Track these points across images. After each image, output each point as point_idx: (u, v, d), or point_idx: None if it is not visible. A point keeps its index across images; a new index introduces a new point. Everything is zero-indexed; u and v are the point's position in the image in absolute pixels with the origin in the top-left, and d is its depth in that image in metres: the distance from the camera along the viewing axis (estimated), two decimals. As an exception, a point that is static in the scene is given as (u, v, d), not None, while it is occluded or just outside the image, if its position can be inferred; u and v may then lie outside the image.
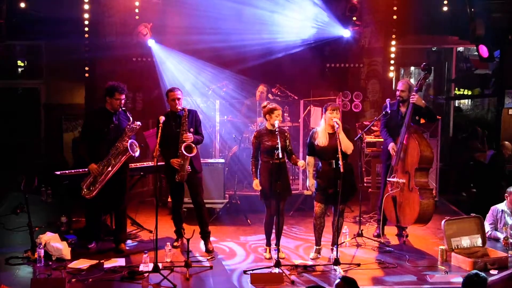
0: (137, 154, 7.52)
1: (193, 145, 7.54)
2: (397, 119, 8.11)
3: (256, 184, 7.45)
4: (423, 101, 8.14)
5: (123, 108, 7.55)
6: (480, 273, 5.08)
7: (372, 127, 9.12)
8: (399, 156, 7.94)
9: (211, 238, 7.97)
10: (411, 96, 7.95)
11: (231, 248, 8.00)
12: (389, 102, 8.18)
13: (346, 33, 10.84)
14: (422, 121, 8.52)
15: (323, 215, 7.52)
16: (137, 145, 7.54)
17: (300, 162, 7.48)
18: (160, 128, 7.21)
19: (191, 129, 7.64)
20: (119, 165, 7.46)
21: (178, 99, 7.63)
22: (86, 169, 7.55)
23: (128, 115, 7.56)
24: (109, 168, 7.44)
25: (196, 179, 7.78)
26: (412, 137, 7.88)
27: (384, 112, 8.16)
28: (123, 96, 7.54)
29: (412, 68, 14.04)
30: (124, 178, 7.70)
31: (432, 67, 10.17)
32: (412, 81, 9.18)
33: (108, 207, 7.85)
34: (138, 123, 7.56)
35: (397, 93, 8.20)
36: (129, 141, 7.45)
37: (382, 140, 8.66)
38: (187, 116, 7.60)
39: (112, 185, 7.55)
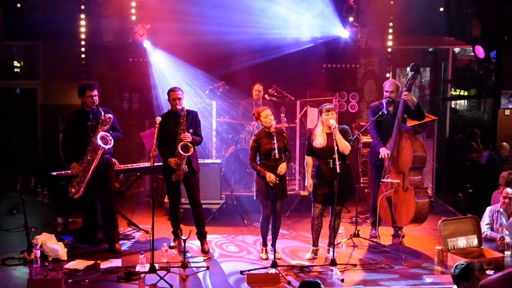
0: (108, 146, 7.45)
1: (190, 145, 7.54)
2: (387, 119, 8.12)
3: (269, 176, 7.21)
4: (414, 99, 8.14)
5: (96, 105, 7.53)
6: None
7: (368, 128, 9.12)
8: (392, 157, 7.96)
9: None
10: (403, 93, 7.97)
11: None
12: (385, 102, 8.17)
13: (344, 33, 10.83)
14: (410, 122, 8.55)
15: (321, 216, 7.53)
16: (110, 136, 7.49)
17: (281, 167, 7.32)
18: (157, 128, 7.23)
19: (190, 130, 7.64)
20: (98, 159, 7.47)
21: (179, 99, 7.63)
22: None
23: (101, 109, 7.53)
24: (89, 164, 7.48)
25: (193, 180, 7.78)
26: (404, 137, 7.93)
27: (380, 113, 8.14)
28: (95, 93, 7.55)
29: (408, 68, 14.04)
30: (107, 173, 7.69)
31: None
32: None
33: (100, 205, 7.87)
34: (109, 115, 7.54)
35: (386, 94, 8.20)
36: (100, 134, 7.44)
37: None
38: (185, 116, 7.60)
39: (97, 182, 7.61)
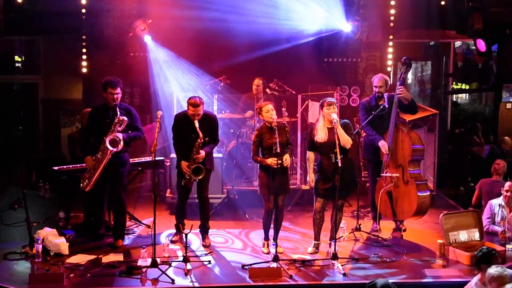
0: (115, 149, 7.40)
1: (202, 167, 7.51)
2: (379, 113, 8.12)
3: (271, 161, 7.23)
4: (409, 94, 8.16)
5: (115, 103, 7.49)
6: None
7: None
8: (390, 151, 7.96)
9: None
10: (398, 90, 7.97)
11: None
12: (387, 96, 8.16)
13: (346, 27, 10.80)
14: (408, 116, 8.55)
15: (323, 210, 7.53)
16: (120, 138, 7.42)
17: (286, 158, 7.38)
18: (159, 123, 7.20)
19: (206, 139, 7.61)
20: (107, 159, 7.45)
21: (198, 115, 7.50)
22: (84, 164, 7.62)
23: (117, 110, 7.48)
24: (99, 163, 7.47)
25: (206, 176, 7.76)
26: (401, 130, 7.94)
27: (382, 107, 8.12)
28: (117, 90, 7.47)
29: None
30: (120, 172, 7.67)
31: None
32: (410, 75, 9.17)
33: (108, 201, 7.87)
34: (124, 117, 7.47)
35: (375, 89, 8.23)
36: (110, 137, 7.41)
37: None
38: (202, 137, 7.48)
39: (108, 179, 7.60)
